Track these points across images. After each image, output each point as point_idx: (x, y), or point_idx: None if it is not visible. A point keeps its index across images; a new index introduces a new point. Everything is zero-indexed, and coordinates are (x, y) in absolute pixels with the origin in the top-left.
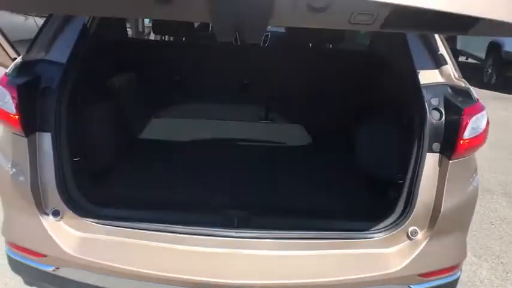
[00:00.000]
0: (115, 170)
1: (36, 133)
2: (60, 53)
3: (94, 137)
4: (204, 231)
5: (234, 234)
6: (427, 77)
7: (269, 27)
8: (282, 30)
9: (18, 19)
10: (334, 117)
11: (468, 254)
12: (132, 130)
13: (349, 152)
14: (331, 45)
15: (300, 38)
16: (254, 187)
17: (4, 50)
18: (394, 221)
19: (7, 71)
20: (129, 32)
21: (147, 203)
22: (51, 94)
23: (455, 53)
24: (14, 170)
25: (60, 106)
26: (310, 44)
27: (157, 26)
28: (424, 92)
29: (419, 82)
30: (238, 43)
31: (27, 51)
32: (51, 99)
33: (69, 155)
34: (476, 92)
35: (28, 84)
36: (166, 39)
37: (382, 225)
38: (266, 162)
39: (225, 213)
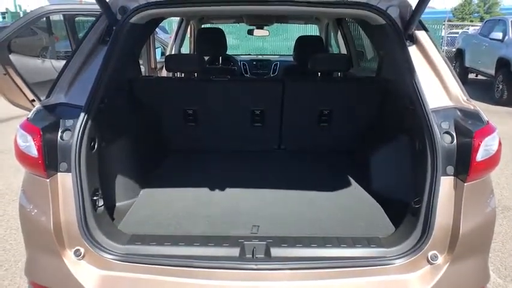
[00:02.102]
0: (134, 206)
1: (58, 174)
2: (79, 95)
3: (113, 175)
4: (223, 265)
5: (253, 266)
6: (436, 101)
7: (278, 58)
8: (291, 60)
9: (35, 62)
10: (346, 143)
11: (492, 275)
12: (148, 166)
13: (363, 177)
14: (339, 74)
15: (310, 68)
16: (270, 216)
17: (22, 92)
18: (414, 246)
19: (29, 115)
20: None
21: (167, 238)
22: (71, 136)
23: (464, 71)
24: (36, 210)
25: (80, 147)
26: (319, 73)
27: (170, 64)
28: (434, 117)
29: (428, 107)
30: None
31: (48, 96)
32: (71, 141)
33: (90, 194)
34: (490, 108)
35: (49, 127)
36: (178, 75)
37: (401, 250)
38: (280, 190)
39: (243, 245)
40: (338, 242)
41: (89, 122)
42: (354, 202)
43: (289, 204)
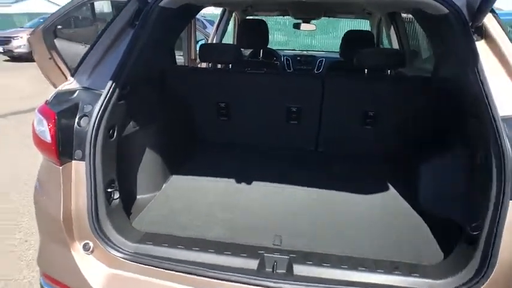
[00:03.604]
0: (154, 201)
1: (72, 162)
2: (102, 80)
3: (134, 167)
4: (238, 278)
5: (271, 284)
6: (508, 107)
7: (324, 54)
8: (337, 56)
9: (77, 47)
10: (392, 150)
11: None
12: (174, 159)
13: (409, 190)
14: (389, 72)
15: (356, 64)
16: (296, 226)
17: (64, 75)
18: (467, 282)
19: (48, 98)
20: (181, 59)
21: (180, 241)
22: (89, 123)
23: None
24: (47, 197)
25: (96, 134)
26: (366, 70)
27: (203, 53)
28: (504, 126)
29: (497, 114)
30: None
31: (70, 78)
32: (88, 128)
33: (104, 186)
34: None
35: (66, 112)
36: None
37: (451, 285)
38: (311, 197)
39: (263, 257)
40: (374, 266)
41: (108, 109)
42: (395, 219)
43: (319, 215)
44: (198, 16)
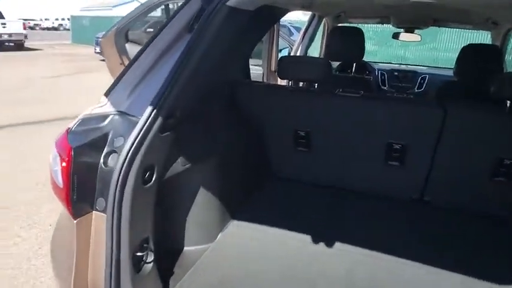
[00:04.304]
0: (203, 258)
1: (93, 213)
2: (143, 104)
3: (179, 216)
4: None
5: None
6: None
7: (426, 70)
8: (445, 73)
9: None
10: None
11: None
12: (236, 200)
13: None
14: None
15: (495, 92)
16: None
17: None
18: None
19: (70, 125)
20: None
21: None
22: (117, 162)
23: None
24: (60, 260)
25: (125, 179)
26: (509, 103)
27: (283, 68)
28: None
29: None
30: None
31: (103, 99)
32: (115, 170)
33: (132, 248)
34: None
35: (87, 146)
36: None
37: None
38: (405, 263)
39: None
40: None
41: (146, 144)
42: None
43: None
44: (283, 21)
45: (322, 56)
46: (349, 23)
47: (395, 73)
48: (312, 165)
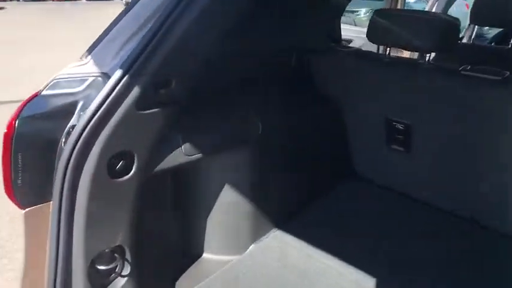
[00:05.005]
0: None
1: (50, 204)
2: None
3: (190, 225)
4: None
5: None
6: None
7: None
8: None
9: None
10: None
11: None
12: (283, 207)
13: None
14: None
15: None
16: None
17: None
18: None
19: (42, 87)
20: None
21: None
22: (67, 143)
23: None
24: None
25: (79, 165)
26: None
27: (375, 26)
28: None
29: None
30: None
31: (89, 51)
32: (64, 152)
33: (87, 256)
34: None
35: (44, 118)
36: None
37: None
38: None
39: None
40: None
41: (113, 123)
42: None
43: None
44: None
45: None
46: None
47: None
48: (407, 170)
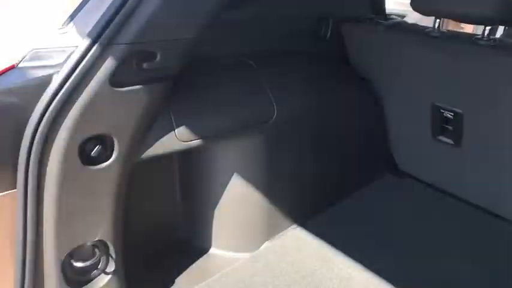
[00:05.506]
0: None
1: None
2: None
3: (196, 216)
4: None
5: None
6: None
7: None
8: None
9: None
10: None
11: None
12: (304, 203)
13: None
14: None
15: None
16: None
17: None
18: None
19: (19, 58)
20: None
21: None
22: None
23: None
24: None
25: (43, 149)
26: None
27: None
28: None
29: None
30: None
31: (72, 17)
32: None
33: (60, 250)
34: None
35: (12, 94)
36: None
37: None
38: None
39: None
40: None
41: (82, 101)
42: None
43: None
44: None
45: None
46: None
47: None
48: (457, 170)
